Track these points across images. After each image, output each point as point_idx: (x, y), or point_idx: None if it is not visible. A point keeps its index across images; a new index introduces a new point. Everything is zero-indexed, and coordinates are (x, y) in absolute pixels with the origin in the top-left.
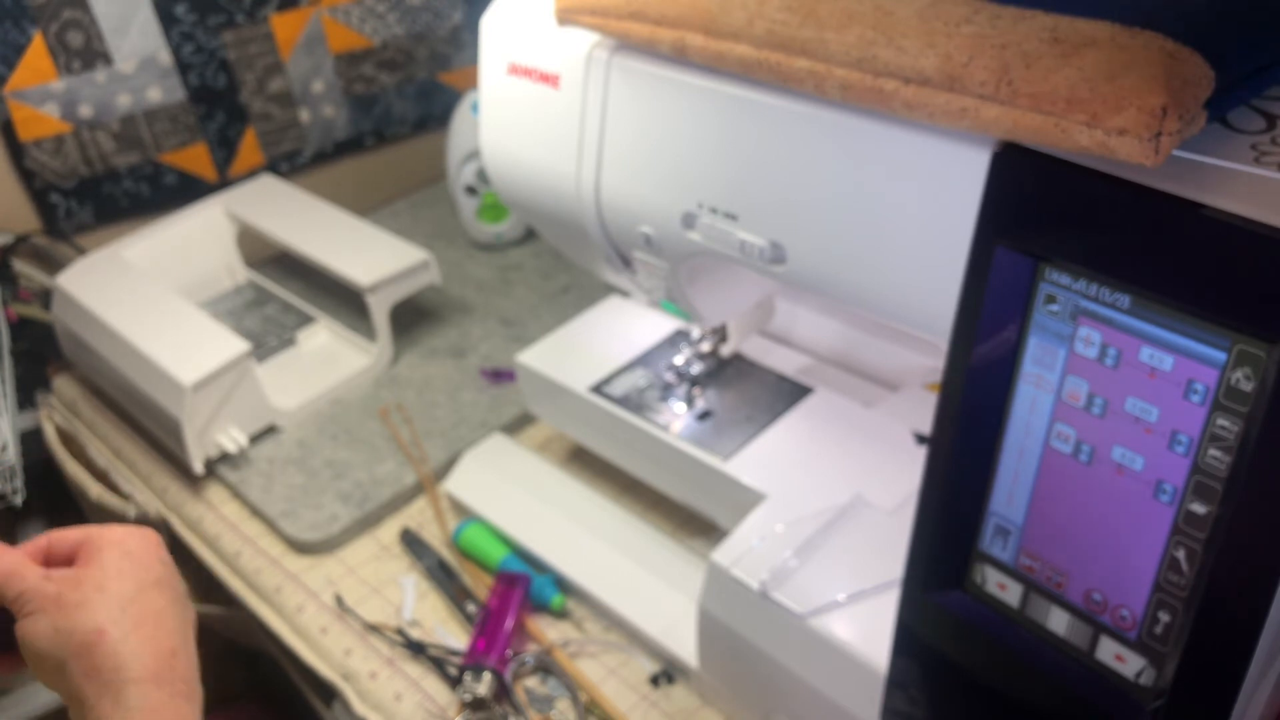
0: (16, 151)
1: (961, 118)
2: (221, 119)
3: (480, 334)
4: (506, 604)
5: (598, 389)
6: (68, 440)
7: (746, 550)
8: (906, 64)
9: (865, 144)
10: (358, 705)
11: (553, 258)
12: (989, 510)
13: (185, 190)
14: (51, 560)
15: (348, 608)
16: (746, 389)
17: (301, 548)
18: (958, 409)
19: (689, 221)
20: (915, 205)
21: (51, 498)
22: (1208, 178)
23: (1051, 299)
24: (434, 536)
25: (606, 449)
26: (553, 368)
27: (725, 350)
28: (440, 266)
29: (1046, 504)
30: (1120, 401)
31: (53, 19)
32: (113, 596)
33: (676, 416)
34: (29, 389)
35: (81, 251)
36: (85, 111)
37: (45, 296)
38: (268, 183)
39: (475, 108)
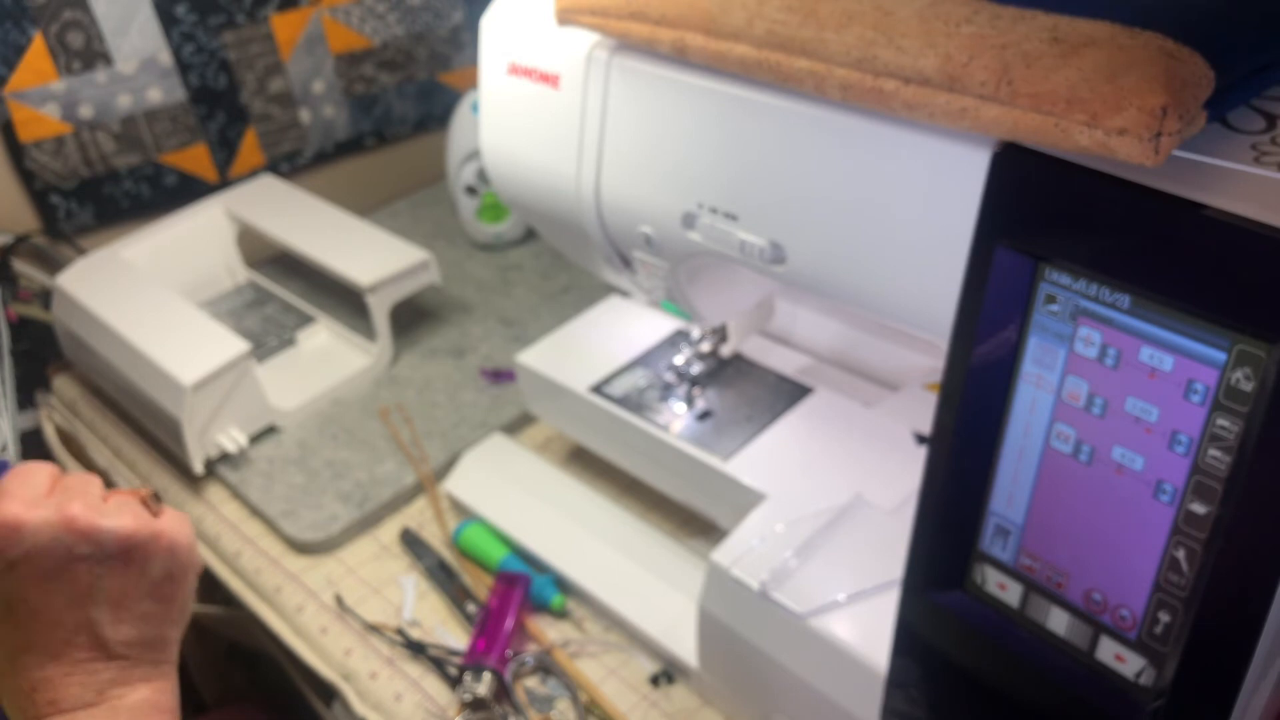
0: (16, 152)
1: (961, 118)
2: (222, 119)
3: (480, 334)
4: (506, 604)
5: (598, 389)
6: (68, 440)
7: (746, 550)
8: (906, 64)
9: (865, 144)
10: (358, 705)
11: (553, 258)
12: (989, 510)
13: (185, 190)
14: None
15: (348, 608)
16: (746, 389)
17: (301, 548)
18: (958, 409)
19: (689, 221)
20: (915, 205)
21: None
22: (1208, 178)
23: (1051, 299)
24: (434, 536)
25: (606, 449)
26: (553, 368)
27: (725, 350)
28: (440, 266)
29: (1046, 504)
30: (1120, 401)
31: (53, 19)
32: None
33: (676, 416)
34: (29, 389)
35: (81, 252)
36: (85, 112)
37: (45, 296)
38: (268, 183)
39: (475, 108)
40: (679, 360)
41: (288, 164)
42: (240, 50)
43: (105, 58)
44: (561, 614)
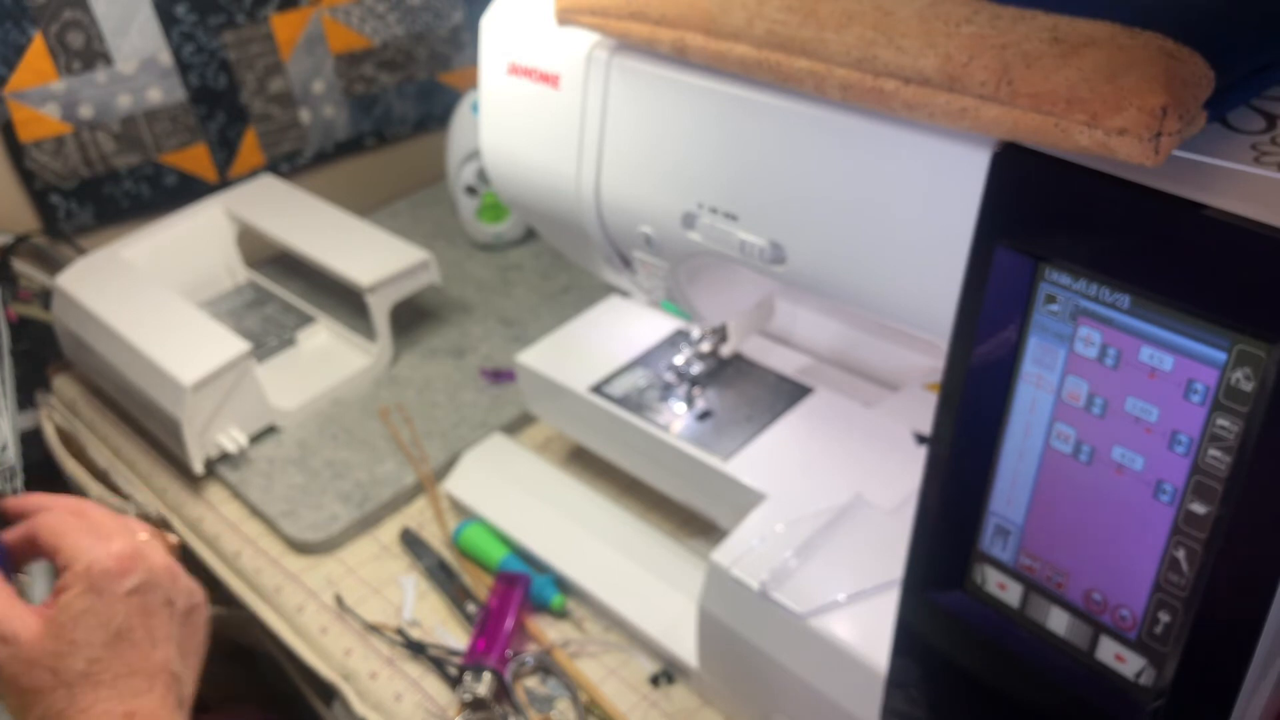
0: (16, 152)
1: (961, 118)
2: (222, 119)
3: (480, 334)
4: (506, 604)
5: (598, 389)
6: (68, 440)
7: (746, 550)
8: (906, 64)
9: (865, 144)
10: (358, 705)
11: (553, 258)
12: (989, 510)
13: (185, 190)
14: (26, 552)
15: (348, 608)
16: (746, 389)
17: (301, 548)
18: (958, 409)
19: (689, 221)
20: (915, 205)
21: None
22: (1208, 178)
23: (1051, 299)
24: (434, 536)
25: (606, 449)
26: (553, 368)
27: (725, 350)
28: (440, 266)
29: (1046, 504)
30: (1120, 401)
31: (53, 19)
32: (78, 659)
33: (676, 416)
34: (29, 389)
35: (81, 252)
36: (85, 112)
37: (45, 296)
38: (268, 183)
39: (475, 108)
40: (679, 360)
41: (288, 164)
42: (240, 50)
43: (105, 58)
44: (561, 614)
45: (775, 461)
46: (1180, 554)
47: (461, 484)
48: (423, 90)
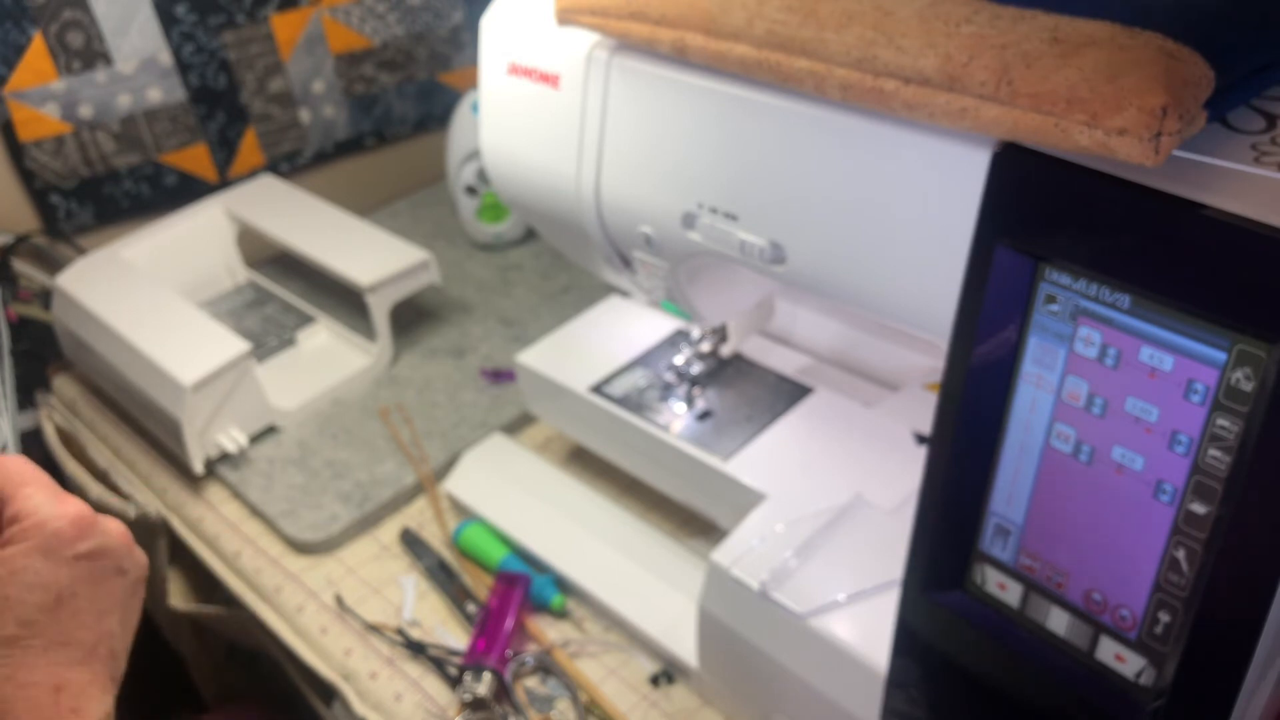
0: (16, 152)
1: (961, 118)
2: (222, 119)
3: (480, 334)
4: (506, 604)
5: (598, 389)
6: (68, 440)
7: (746, 550)
8: (906, 64)
9: (865, 144)
10: (358, 705)
11: (553, 258)
12: (989, 510)
13: (185, 190)
14: None
15: (348, 608)
16: (746, 389)
17: (301, 548)
18: (958, 409)
19: (689, 221)
20: (915, 205)
21: None
22: (1208, 178)
23: (1051, 299)
24: (434, 536)
25: (606, 449)
26: (553, 368)
27: (725, 350)
28: (440, 266)
29: (1046, 504)
30: (1120, 401)
31: (53, 19)
32: (8, 620)
33: (676, 416)
34: (29, 389)
35: (81, 251)
36: (85, 112)
37: (45, 296)
38: (268, 183)
39: (475, 108)
40: (679, 360)
41: (288, 164)
42: (240, 50)
43: (105, 58)
44: (561, 614)
45: (775, 461)
46: (1180, 554)
47: (461, 484)
48: (423, 90)
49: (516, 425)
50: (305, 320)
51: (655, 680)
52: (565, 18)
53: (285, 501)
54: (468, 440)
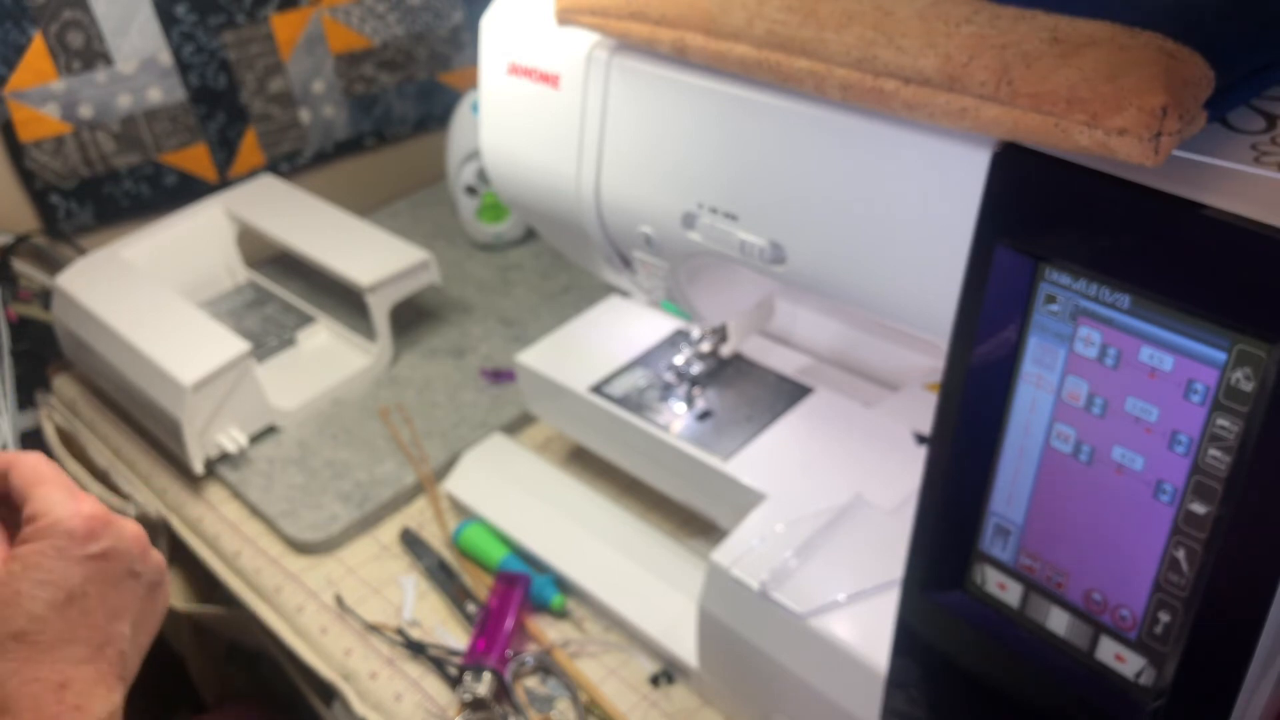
0: (16, 152)
1: (961, 118)
2: (222, 119)
3: (480, 334)
4: (506, 604)
5: (598, 389)
6: (68, 440)
7: (746, 550)
8: (906, 64)
9: (865, 144)
10: (358, 705)
11: (553, 258)
12: (989, 510)
13: (185, 190)
14: None
15: (348, 608)
16: (746, 389)
17: (301, 548)
18: (958, 409)
19: (689, 221)
20: (915, 205)
21: None
22: (1208, 178)
23: (1051, 299)
24: (434, 536)
25: (606, 449)
26: (553, 368)
27: (725, 350)
28: (440, 266)
29: (1046, 504)
30: (1120, 401)
31: (53, 19)
32: (19, 614)
33: (676, 416)
34: (29, 389)
35: (81, 251)
36: (85, 112)
37: (45, 296)
38: (268, 183)
39: (475, 108)
40: (679, 360)
41: (288, 164)
42: (240, 50)
43: (105, 58)
44: (561, 614)
45: (775, 461)
46: (1180, 554)
47: (461, 484)
48: (423, 90)
49: (516, 425)
50: (305, 320)
51: (655, 680)
52: (565, 18)
53: (285, 501)
54: (468, 440)
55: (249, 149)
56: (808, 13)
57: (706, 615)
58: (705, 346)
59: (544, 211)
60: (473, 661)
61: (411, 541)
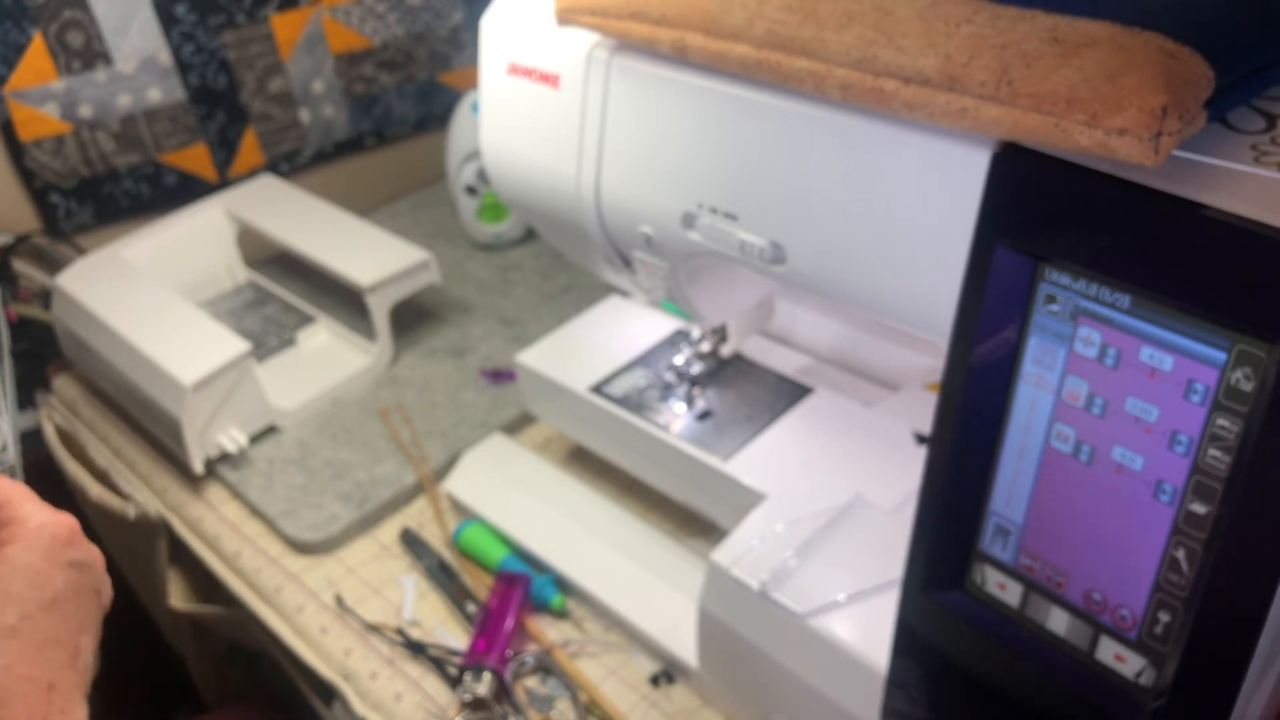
0: (16, 151)
1: (961, 118)
2: (221, 119)
3: (480, 334)
4: (506, 604)
5: (598, 389)
6: (68, 440)
7: (746, 550)
8: (906, 64)
9: (865, 144)
10: (358, 705)
11: (553, 258)
12: (989, 510)
13: (185, 190)
14: None
15: (348, 608)
16: (746, 389)
17: (301, 548)
18: (958, 409)
19: (689, 221)
20: (915, 205)
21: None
22: (1208, 178)
23: (1051, 299)
24: (434, 536)
25: (606, 449)
26: (553, 368)
27: (725, 350)
28: (440, 266)
29: (1046, 504)
30: (1120, 401)
31: (53, 19)
32: (10, 612)
33: (676, 416)
34: (29, 389)
35: (81, 251)
36: (85, 111)
37: (45, 296)
38: (268, 183)
39: (475, 108)
40: (679, 360)
41: (287, 164)
42: (240, 50)
43: (105, 57)
44: (561, 614)
45: (775, 461)
46: (1180, 554)
47: (461, 484)
48: (423, 90)
49: (516, 425)
50: (305, 320)
51: (655, 680)
52: (565, 18)
53: (285, 501)
54: (468, 440)
55: (249, 149)
56: (808, 13)
57: (706, 615)
58: (705, 346)
59: (544, 211)
60: (473, 661)
61: (411, 541)
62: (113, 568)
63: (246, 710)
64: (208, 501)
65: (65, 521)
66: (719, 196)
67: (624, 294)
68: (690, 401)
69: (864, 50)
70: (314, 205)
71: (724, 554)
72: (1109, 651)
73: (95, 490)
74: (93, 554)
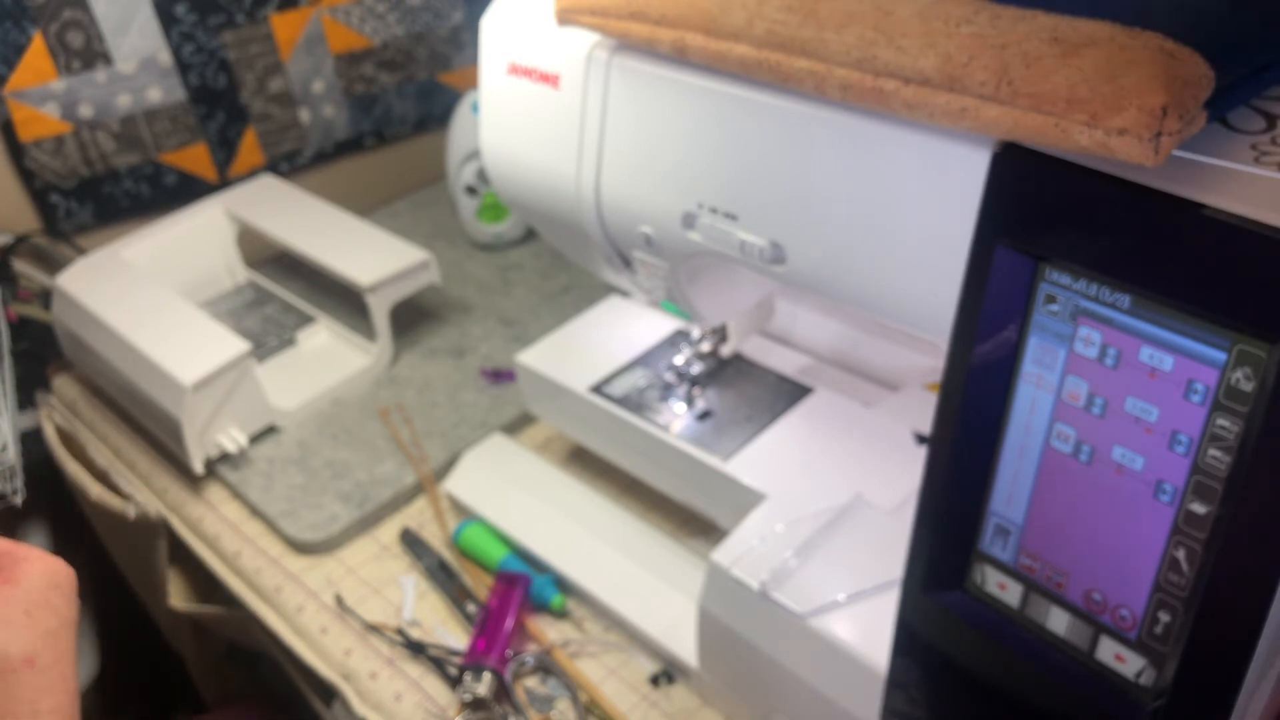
0: (16, 151)
1: (961, 118)
2: (221, 119)
3: (480, 334)
4: (506, 604)
5: (598, 389)
6: (68, 440)
7: (746, 550)
8: (906, 64)
9: (865, 144)
10: (358, 705)
11: (553, 258)
12: (989, 510)
13: (185, 190)
14: None
15: (348, 608)
16: (746, 389)
17: (301, 548)
18: (958, 409)
19: (689, 221)
20: (915, 205)
21: (51, 498)
22: (1208, 178)
23: (1051, 299)
24: (434, 536)
25: (606, 449)
26: (553, 368)
27: (725, 350)
28: (440, 266)
29: (1046, 504)
30: (1120, 401)
31: (53, 19)
32: (39, 624)
33: (676, 416)
34: (29, 389)
35: (81, 251)
36: (85, 111)
37: (45, 296)
38: (268, 183)
39: (475, 108)
40: (679, 360)
41: (288, 164)
42: (240, 50)
43: (105, 57)
44: (561, 614)
45: (775, 461)
46: (1180, 554)
47: (461, 484)
48: (423, 90)
49: (516, 425)
50: (305, 320)
51: (655, 680)
52: (565, 18)
53: (285, 501)
54: (468, 440)
55: (249, 149)
56: (808, 13)
57: (706, 615)
58: (705, 346)
59: (544, 211)
60: (473, 661)
61: (411, 541)
62: (113, 568)
63: (246, 710)
64: (208, 501)
65: (62, 562)
66: (719, 196)
67: (624, 294)
68: (690, 401)
69: (864, 50)
70: (314, 205)
71: (724, 554)
72: (1109, 651)
73: (95, 490)
74: (75, 593)
